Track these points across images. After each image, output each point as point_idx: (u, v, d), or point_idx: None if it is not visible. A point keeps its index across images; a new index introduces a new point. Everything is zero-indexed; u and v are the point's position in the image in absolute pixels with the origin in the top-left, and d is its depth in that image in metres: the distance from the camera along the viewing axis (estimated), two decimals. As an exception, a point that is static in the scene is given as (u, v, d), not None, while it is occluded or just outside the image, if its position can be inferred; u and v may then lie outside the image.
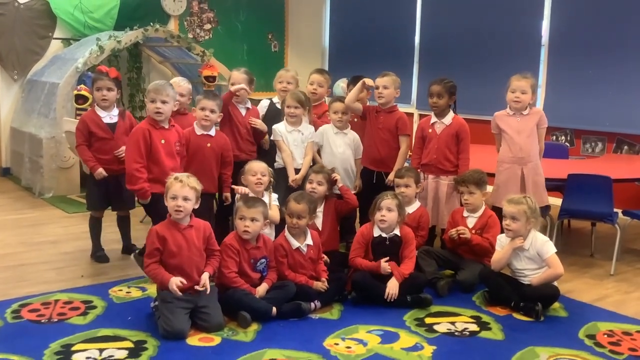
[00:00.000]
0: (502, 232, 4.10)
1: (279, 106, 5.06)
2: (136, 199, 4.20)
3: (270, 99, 5.21)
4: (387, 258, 3.96)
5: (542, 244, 3.90)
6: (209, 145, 4.40)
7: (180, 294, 3.41)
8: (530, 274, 3.92)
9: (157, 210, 4.02)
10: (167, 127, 4.14)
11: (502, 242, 4.03)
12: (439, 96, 4.69)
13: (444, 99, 4.69)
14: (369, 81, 4.76)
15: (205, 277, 3.52)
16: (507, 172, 4.61)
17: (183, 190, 3.49)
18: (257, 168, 4.16)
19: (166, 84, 4.22)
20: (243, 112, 4.86)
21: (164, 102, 4.06)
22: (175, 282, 3.41)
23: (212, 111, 4.35)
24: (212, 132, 4.45)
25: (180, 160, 4.20)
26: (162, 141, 4.07)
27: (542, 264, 3.91)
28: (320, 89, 5.16)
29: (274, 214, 4.14)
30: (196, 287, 3.48)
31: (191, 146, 4.36)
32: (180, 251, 3.49)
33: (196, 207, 3.56)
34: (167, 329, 3.33)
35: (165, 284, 3.43)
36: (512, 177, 4.58)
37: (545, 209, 4.87)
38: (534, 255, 3.91)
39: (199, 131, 4.40)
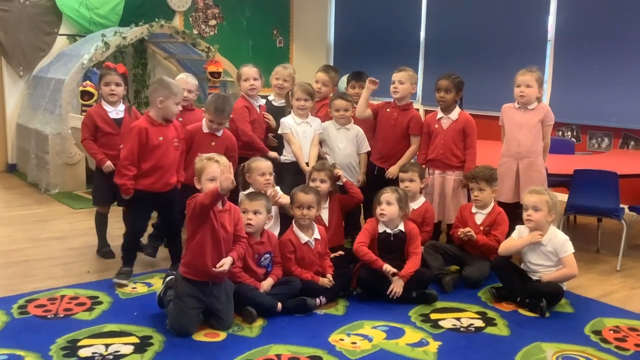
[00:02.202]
0: (517, 224, 4.08)
1: (275, 104, 5.06)
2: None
3: (266, 97, 5.19)
4: (390, 269, 3.92)
5: (562, 242, 3.87)
6: (213, 144, 4.38)
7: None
8: (543, 270, 3.91)
9: (135, 207, 4.11)
10: (165, 124, 4.07)
11: (522, 232, 3.99)
12: (446, 91, 4.68)
13: (451, 94, 4.68)
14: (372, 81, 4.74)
15: (227, 262, 3.41)
16: (504, 166, 4.61)
17: (222, 171, 3.35)
18: (264, 167, 4.15)
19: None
20: (257, 109, 4.88)
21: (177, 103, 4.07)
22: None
23: (220, 124, 4.41)
24: (219, 133, 4.44)
25: (179, 156, 4.17)
26: (160, 138, 4.02)
27: (556, 261, 3.89)
28: (324, 88, 5.17)
29: (285, 198, 4.14)
30: (213, 268, 3.36)
31: (195, 143, 4.35)
32: (218, 231, 3.40)
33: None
34: (175, 326, 3.32)
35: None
36: (508, 171, 4.57)
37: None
38: (551, 251, 3.89)
39: (206, 129, 4.41)
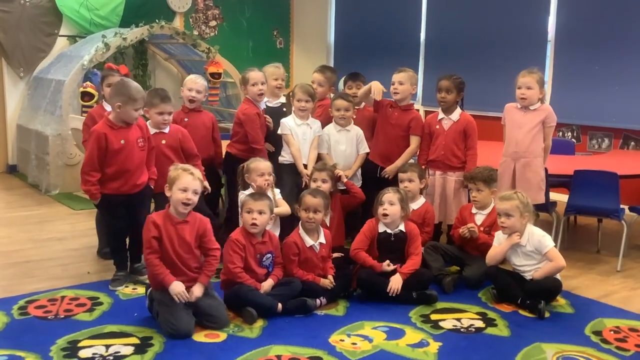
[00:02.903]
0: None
1: (270, 104, 5.02)
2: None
3: None
4: (388, 262, 3.94)
5: (539, 239, 3.90)
6: (163, 142, 4.29)
7: (179, 301, 3.34)
8: (530, 270, 3.92)
9: (107, 213, 4.10)
10: (125, 126, 3.96)
11: (500, 239, 4.03)
12: (447, 91, 4.68)
13: (452, 94, 4.68)
14: (376, 88, 4.72)
15: (197, 291, 3.42)
16: (503, 165, 4.61)
17: (194, 183, 3.45)
18: (264, 168, 4.15)
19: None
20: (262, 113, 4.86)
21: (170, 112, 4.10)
22: (178, 288, 3.34)
23: (169, 113, 4.28)
24: (166, 129, 4.32)
25: (143, 155, 4.05)
26: (122, 141, 3.91)
27: (541, 259, 3.91)
28: (320, 88, 5.13)
29: (283, 207, 4.15)
30: (187, 297, 3.37)
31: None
32: (172, 246, 3.43)
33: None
34: (173, 332, 3.31)
35: (166, 286, 3.37)
36: (506, 171, 4.58)
37: (551, 205, 4.86)
38: (532, 250, 3.91)
39: (152, 130, 4.26)
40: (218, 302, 3.54)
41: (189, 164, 4.13)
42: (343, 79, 5.43)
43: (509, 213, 3.90)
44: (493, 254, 4.01)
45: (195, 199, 3.47)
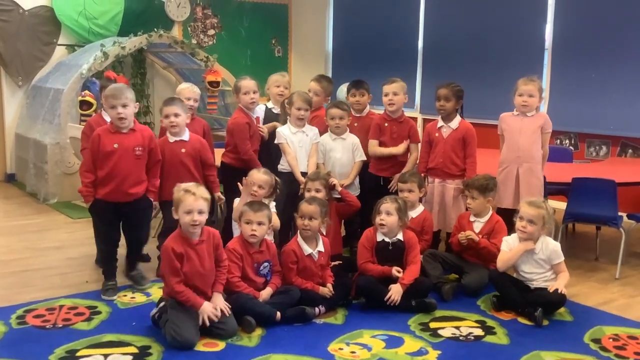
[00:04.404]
0: (509, 233, 4.09)
1: (274, 111, 5.06)
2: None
3: (265, 105, 5.16)
4: (399, 268, 3.95)
5: (554, 249, 3.90)
6: (183, 150, 4.28)
7: (208, 324, 3.34)
8: (537, 278, 3.92)
9: (97, 218, 4.09)
10: (125, 130, 3.96)
11: (510, 244, 4.00)
12: (446, 99, 4.69)
13: (451, 102, 4.69)
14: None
15: (219, 302, 3.45)
16: (505, 172, 4.62)
17: (197, 203, 3.39)
18: (255, 179, 4.14)
19: (123, 87, 4.10)
20: (255, 122, 4.84)
21: (124, 105, 3.91)
22: (209, 309, 3.36)
23: (176, 115, 4.22)
24: (186, 137, 4.30)
25: (139, 165, 4.01)
26: (115, 145, 3.91)
27: (548, 268, 3.91)
28: (316, 97, 5.10)
29: (274, 220, 4.13)
30: (218, 316, 3.40)
31: (167, 156, 4.21)
32: (195, 269, 3.42)
33: (206, 217, 3.48)
34: (177, 339, 3.28)
35: (196, 309, 3.37)
36: (509, 177, 4.58)
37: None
38: (543, 259, 3.90)
39: (172, 139, 4.27)
40: (230, 314, 3.52)
41: (205, 173, 4.31)
42: (345, 87, 5.45)
43: (533, 221, 3.88)
44: (506, 258, 3.98)
45: (202, 218, 3.41)
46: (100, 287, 4.12)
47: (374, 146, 4.83)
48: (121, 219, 4.09)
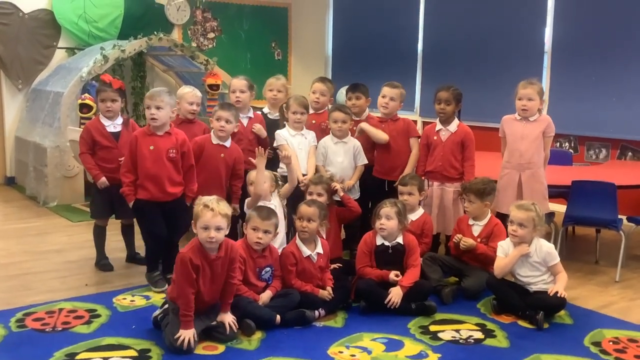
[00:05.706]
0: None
1: (270, 116, 5.05)
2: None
3: (261, 110, 5.15)
4: (397, 272, 3.95)
5: (549, 251, 3.90)
6: (222, 155, 4.37)
7: (179, 345, 3.23)
8: (534, 281, 3.91)
9: (140, 217, 4.22)
10: (160, 133, 4.10)
11: (505, 249, 4.01)
12: (446, 103, 4.70)
13: (451, 105, 4.70)
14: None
15: (227, 319, 3.45)
16: (506, 177, 4.61)
17: (215, 219, 3.29)
18: (252, 178, 4.19)
19: (162, 90, 4.18)
20: (245, 121, 4.80)
21: (158, 107, 4.03)
22: (189, 334, 3.24)
23: (227, 121, 4.31)
24: (228, 144, 4.41)
25: (174, 167, 4.11)
26: (151, 147, 4.05)
27: (544, 270, 3.91)
28: (322, 97, 5.10)
29: (285, 189, 4.32)
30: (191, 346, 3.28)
31: (205, 154, 4.34)
32: (205, 284, 3.37)
33: (226, 233, 3.40)
34: (174, 344, 3.25)
35: (182, 327, 3.27)
36: (511, 182, 4.58)
37: (549, 216, 4.86)
38: (538, 262, 3.90)
39: (215, 140, 4.37)
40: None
41: (231, 182, 4.48)
42: (344, 90, 5.45)
43: (523, 224, 3.88)
44: (502, 265, 3.97)
45: (220, 234, 3.32)
46: (99, 291, 4.14)
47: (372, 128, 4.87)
48: (164, 215, 4.17)
